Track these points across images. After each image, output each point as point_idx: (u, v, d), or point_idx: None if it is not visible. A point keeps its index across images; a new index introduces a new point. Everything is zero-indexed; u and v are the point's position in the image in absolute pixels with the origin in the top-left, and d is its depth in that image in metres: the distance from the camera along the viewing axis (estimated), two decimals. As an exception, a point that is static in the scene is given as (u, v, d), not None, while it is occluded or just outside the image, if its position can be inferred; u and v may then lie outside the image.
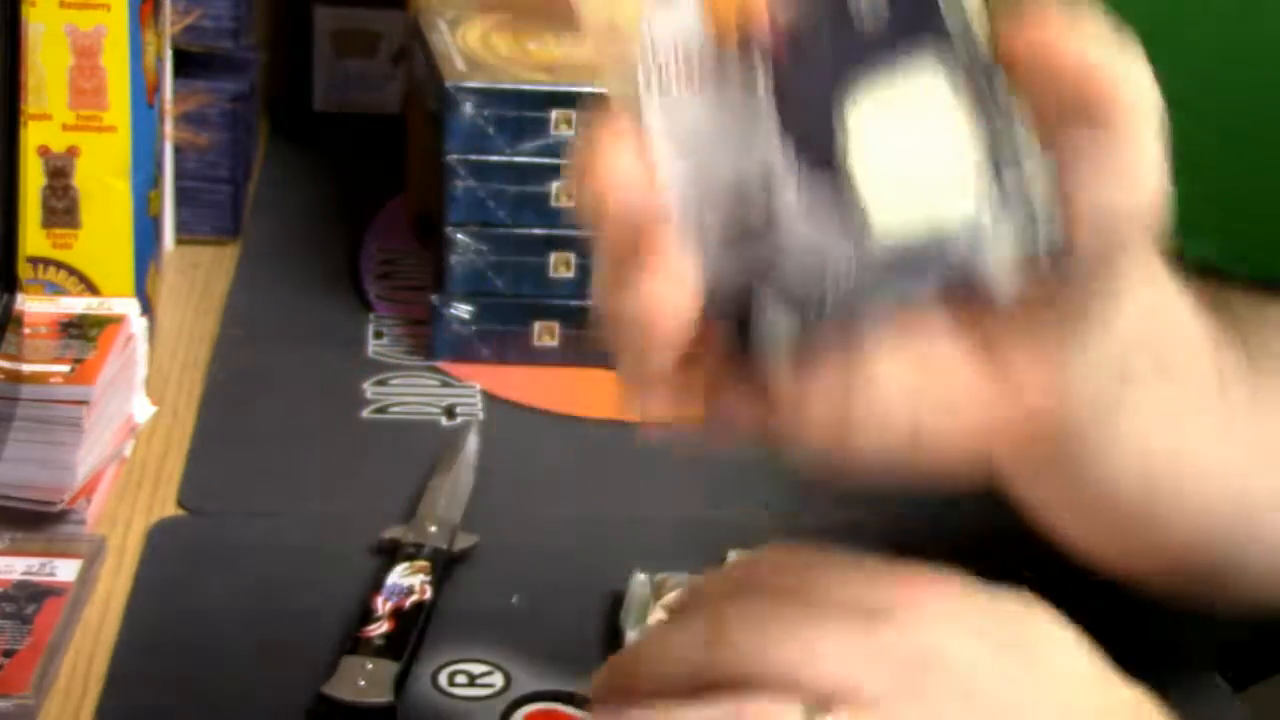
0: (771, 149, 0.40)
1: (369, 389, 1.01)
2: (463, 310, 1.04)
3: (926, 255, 0.40)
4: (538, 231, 1.03)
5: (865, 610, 0.49)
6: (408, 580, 0.78)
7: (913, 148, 0.40)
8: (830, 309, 0.41)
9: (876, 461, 0.50)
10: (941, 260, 0.41)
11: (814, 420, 0.48)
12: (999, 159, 0.40)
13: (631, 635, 0.76)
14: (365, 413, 0.98)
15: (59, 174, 0.97)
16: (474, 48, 1.08)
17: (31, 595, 0.77)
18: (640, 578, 0.79)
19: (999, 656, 0.49)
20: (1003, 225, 0.40)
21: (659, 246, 0.44)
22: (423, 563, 0.80)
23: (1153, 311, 0.55)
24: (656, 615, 0.76)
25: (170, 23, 1.14)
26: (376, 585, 0.78)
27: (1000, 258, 0.41)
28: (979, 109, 0.40)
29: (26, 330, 0.88)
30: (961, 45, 0.40)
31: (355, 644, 0.74)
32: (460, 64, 1.05)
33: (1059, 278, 0.45)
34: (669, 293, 0.44)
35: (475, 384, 1.02)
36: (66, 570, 0.79)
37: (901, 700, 0.48)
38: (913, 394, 0.48)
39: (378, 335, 1.08)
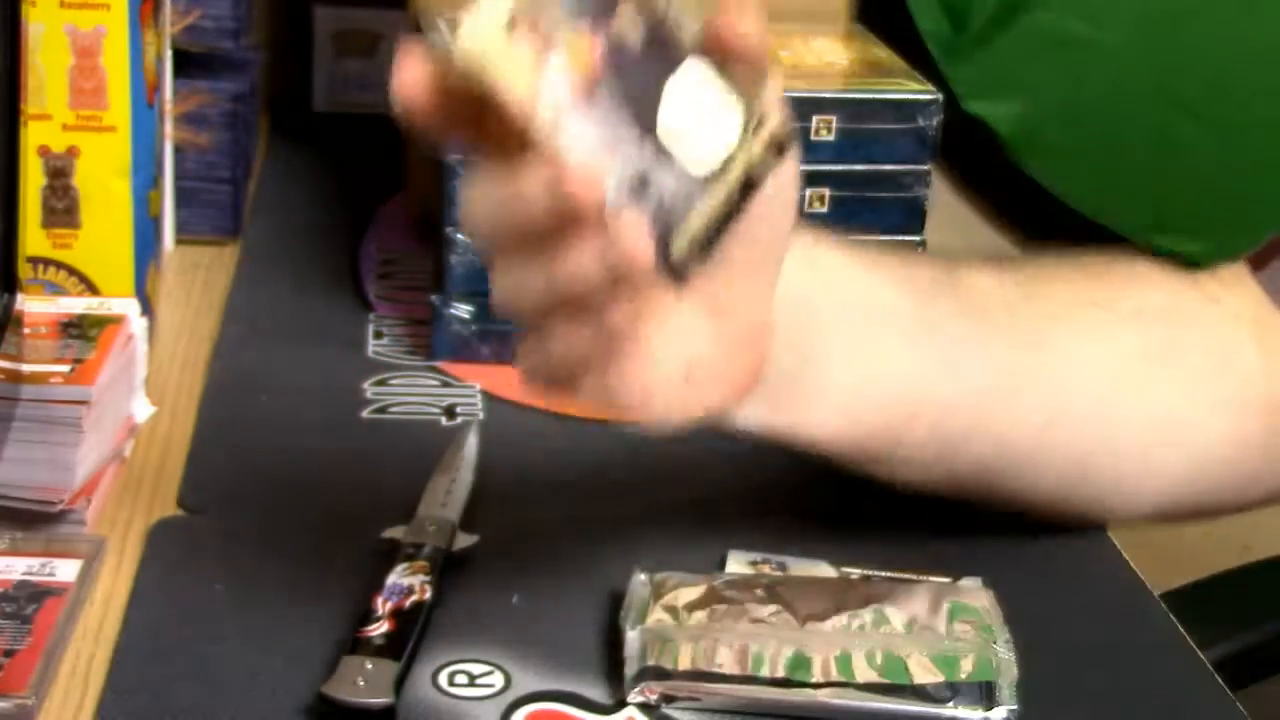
0: (627, 130, 0.62)
1: (369, 389, 1.01)
2: (463, 310, 1.04)
3: (729, 157, 0.64)
4: (538, 231, 1.03)
5: None
6: (408, 580, 0.78)
7: (699, 111, 0.63)
8: (686, 219, 0.63)
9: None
10: (732, 161, 0.64)
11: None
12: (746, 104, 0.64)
13: (631, 635, 0.76)
14: (365, 413, 0.98)
15: (59, 174, 0.97)
16: (474, 48, 1.08)
17: (31, 595, 0.77)
18: (640, 578, 0.79)
19: None
20: (757, 139, 0.64)
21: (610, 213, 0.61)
22: (423, 563, 0.80)
23: (811, 269, 0.75)
24: (656, 615, 0.76)
25: (170, 23, 1.14)
26: (376, 585, 0.78)
27: (756, 154, 0.64)
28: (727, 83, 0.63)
29: (26, 330, 0.88)
30: (702, 49, 0.63)
31: (355, 644, 0.74)
32: (460, 64, 1.05)
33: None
34: (637, 237, 0.61)
35: (475, 384, 1.02)
36: (66, 570, 0.79)
37: None
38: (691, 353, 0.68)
39: (378, 335, 1.08)
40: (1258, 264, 0.89)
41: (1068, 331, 0.83)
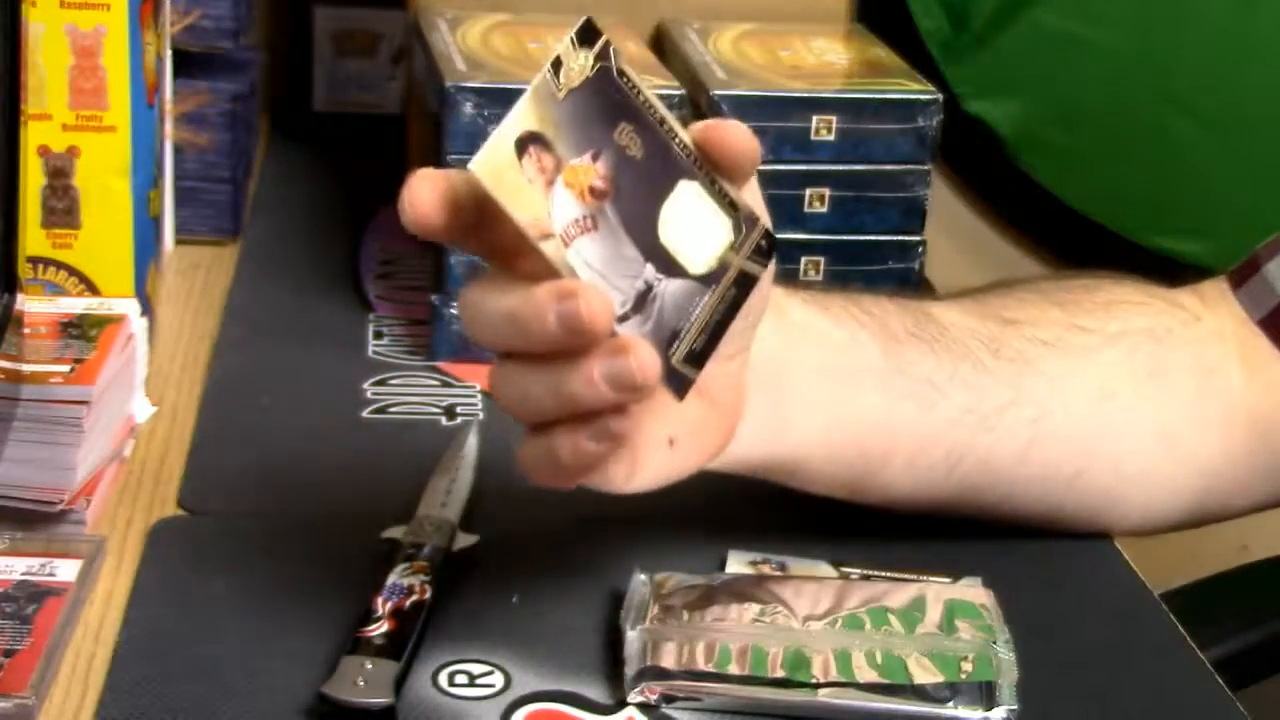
0: (630, 251, 0.66)
1: (369, 389, 1.01)
2: (463, 310, 1.04)
3: (721, 267, 0.68)
4: (538, 231, 1.03)
5: None
6: (408, 580, 0.78)
7: (694, 226, 0.68)
8: (686, 329, 0.68)
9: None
10: (725, 269, 0.68)
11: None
12: (728, 201, 0.69)
13: (632, 635, 0.76)
14: (365, 413, 0.98)
15: (59, 174, 0.97)
16: (474, 48, 1.08)
17: (31, 595, 0.77)
18: (640, 578, 0.79)
19: None
20: (745, 246, 0.69)
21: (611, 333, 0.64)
22: (423, 563, 0.80)
23: (781, 331, 0.78)
24: (656, 615, 0.76)
25: (170, 23, 1.14)
26: (376, 585, 0.78)
27: (748, 260, 0.69)
28: (709, 185, 0.68)
29: (26, 330, 0.88)
30: (694, 165, 0.68)
31: (355, 644, 0.74)
32: (460, 64, 1.05)
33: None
34: (647, 358, 0.64)
35: (475, 384, 1.02)
36: (66, 570, 0.79)
37: None
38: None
39: (378, 335, 1.08)
40: (1237, 281, 0.89)
41: (1053, 355, 0.85)
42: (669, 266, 0.67)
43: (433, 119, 1.07)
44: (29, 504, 0.82)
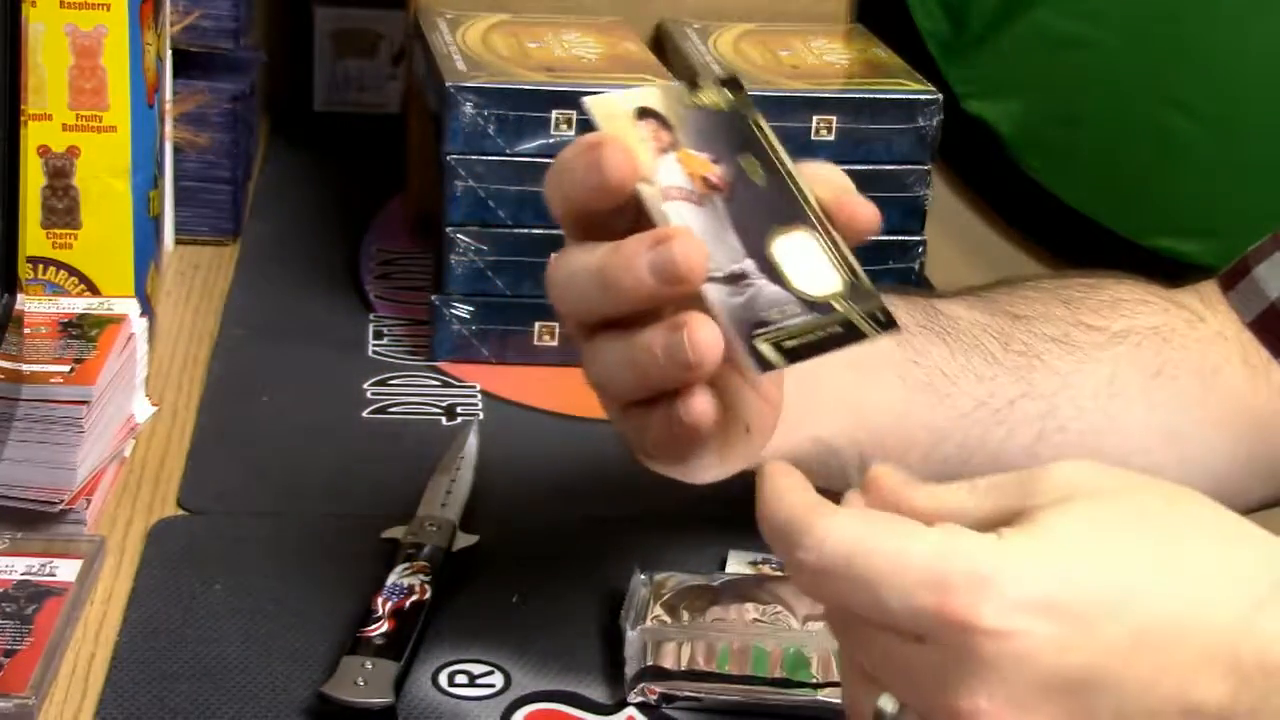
0: (734, 241, 0.65)
1: (369, 389, 1.01)
2: (463, 310, 1.04)
3: (828, 303, 0.66)
4: (538, 231, 1.03)
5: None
6: (408, 580, 0.78)
7: (807, 265, 0.66)
8: (779, 323, 0.65)
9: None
10: (830, 309, 0.66)
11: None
12: (848, 265, 0.67)
13: (632, 635, 0.76)
14: (365, 413, 0.98)
15: (59, 174, 0.97)
16: (474, 48, 1.08)
17: (31, 595, 0.77)
18: (640, 578, 0.79)
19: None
20: (860, 304, 0.66)
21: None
22: (423, 563, 0.80)
23: None
24: (656, 615, 0.76)
25: (170, 23, 1.14)
26: (376, 585, 0.78)
27: (860, 316, 0.66)
28: (831, 245, 0.67)
29: (27, 330, 0.88)
30: (810, 210, 0.67)
31: (355, 644, 0.74)
32: (460, 64, 1.05)
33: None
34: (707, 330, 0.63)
35: (475, 384, 1.02)
36: (66, 570, 0.79)
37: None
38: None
39: (378, 335, 1.08)
40: (1227, 284, 0.90)
41: (1060, 350, 0.85)
42: (772, 274, 0.65)
43: (433, 119, 1.07)
44: (29, 504, 0.82)
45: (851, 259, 0.67)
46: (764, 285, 0.65)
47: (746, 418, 0.71)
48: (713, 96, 0.67)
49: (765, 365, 0.64)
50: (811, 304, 0.65)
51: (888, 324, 0.66)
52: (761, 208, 0.66)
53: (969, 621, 0.55)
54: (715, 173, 0.65)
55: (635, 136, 0.64)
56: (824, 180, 0.68)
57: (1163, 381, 0.86)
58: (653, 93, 0.65)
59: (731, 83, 0.68)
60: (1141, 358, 0.86)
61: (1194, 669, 0.56)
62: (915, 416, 0.81)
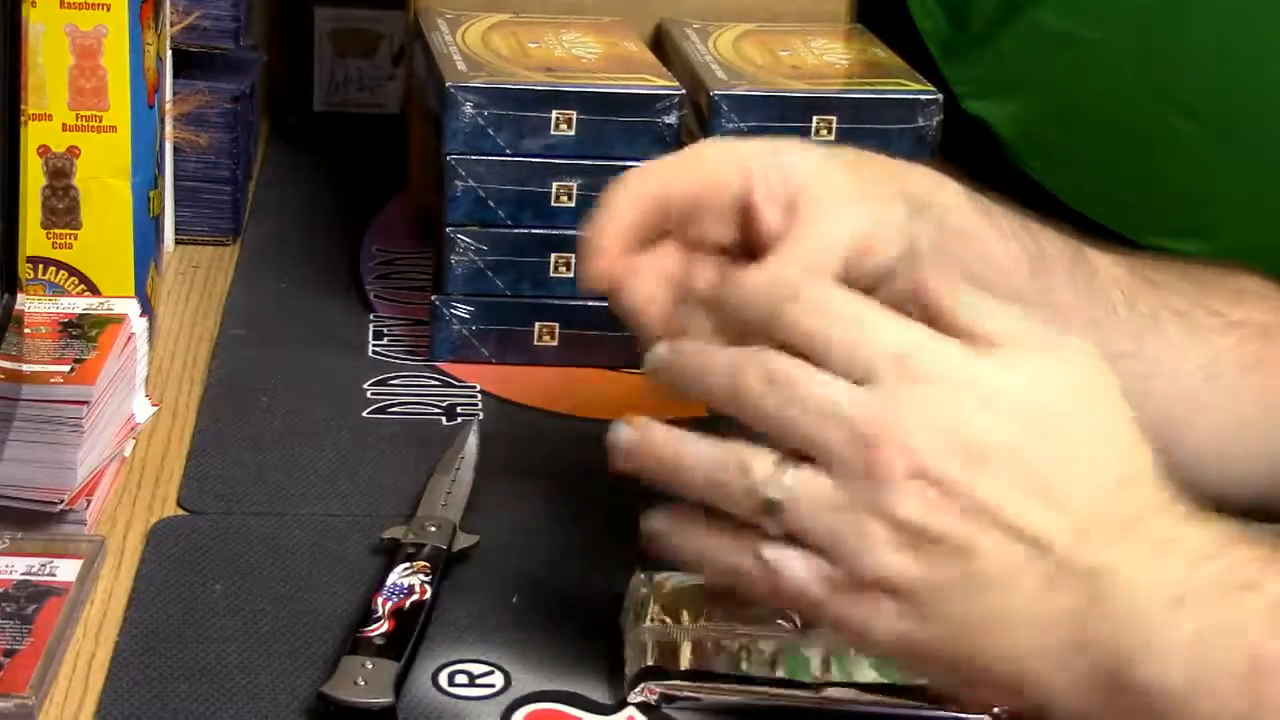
0: None
1: (369, 389, 1.01)
2: (463, 310, 1.04)
3: None
4: (538, 231, 1.03)
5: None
6: (408, 580, 0.78)
7: None
8: None
9: None
10: None
11: None
12: None
13: (631, 635, 0.76)
14: (366, 413, 0.98)
15: (59, 174, 0.97)
16: (474, 48, 1.08)
17: (31, 595, 0.77)
18: (640, 577, 0.79)
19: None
20: None
21: None
22: (423, 563, 0.80)
23: (941, 232, 0.79)
24: (656, 615, 0.76)
25: (170, 23, 1.14)
26: (376, 585, 0.78)
27: None
28: None
29: (27, 330, 0.88)
30: None
31: (355, 644, 0.74)
32: (460, 64, 1.05)
33: None
34: None
35: (475, 384, 1.02)
36: (66, 570, 0.79)
37: (853, 475, 0.63)
38: None
39: (378, 335, 1.08)
40: None
41: (1179, 324, 0.86)
42: None
43: (433, 119, 1.07)
44: (29, 504, 0.82)
45: None
46: None
47: None
48: None
49: None
50: None
51: None
52: None
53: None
54: None
55: None
56: None
57: (1256, 377, 0.87)
58: None
59: None
60: (1245, 350, 0.88)
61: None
62: None
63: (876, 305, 0.66)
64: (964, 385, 0.63)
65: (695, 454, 0.67)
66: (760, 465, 0.65)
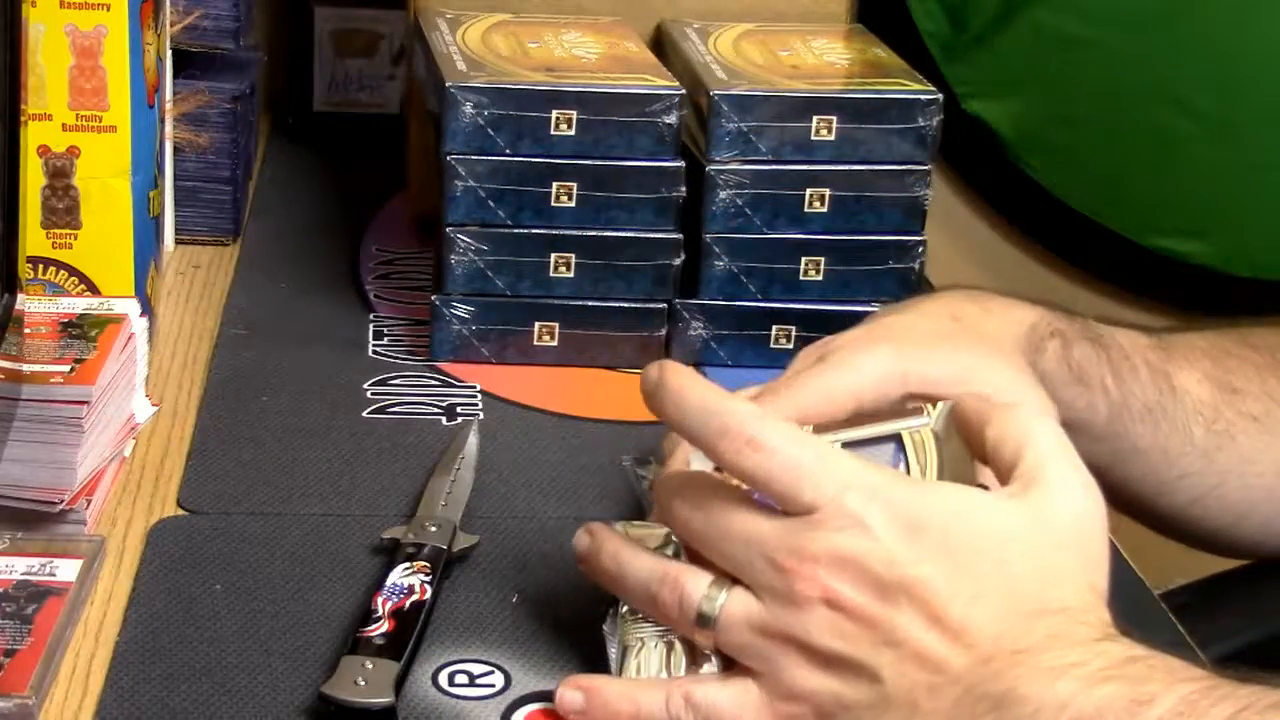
0: None
1: (369, 389, 1.01)
2: (463, 310, 1.04)
3: None
4: (538, 231, 1.03)
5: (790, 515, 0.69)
6: (408, 580, 0.78)
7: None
8: None
9: None
10: None
11: None
12: None
13: (612, 638, 0.76)
14: (365, 413, 0.98)
15: (59, 174, 0.97)
16: (474, 48, 1.08)
17: (31, 595, 0.77)
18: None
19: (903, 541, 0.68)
20: None
21: None
22: (423, 563, 0.80)
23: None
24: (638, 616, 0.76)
25: (170, 23, 1.14)
26: (376, 585, 0.78)
27: None
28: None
29: (27, 330, 0.88)
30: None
31: (355, 644, 0.74)
32: (460, 64, 1.05)
33: None
34: None
35: (475, 384, 1.02)
36: (66, 570, 0.79)
37: (775, 600, 0.68)
38: None
39: (378, 335, 1.08)
40: None
41: (1254, 430, 0.91)
42: None
43: (433, 119, 1.07)
44: (29, 504, 0.82)
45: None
46: None
47: None
48: None
49: None
50: None
51: None
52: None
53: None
54: None
55: None
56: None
57: None
58: None
59: None
60: None
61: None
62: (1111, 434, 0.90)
63: (817, 444, 0.70)
64: (890, 520, 0.68)
65: (636, 569, 0.72)
66: (695, 583, 0.70)
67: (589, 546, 0.75)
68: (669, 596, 0.71)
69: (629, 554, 0.73)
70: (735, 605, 0.69)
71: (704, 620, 0.70)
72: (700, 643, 0.71)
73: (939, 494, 0.70)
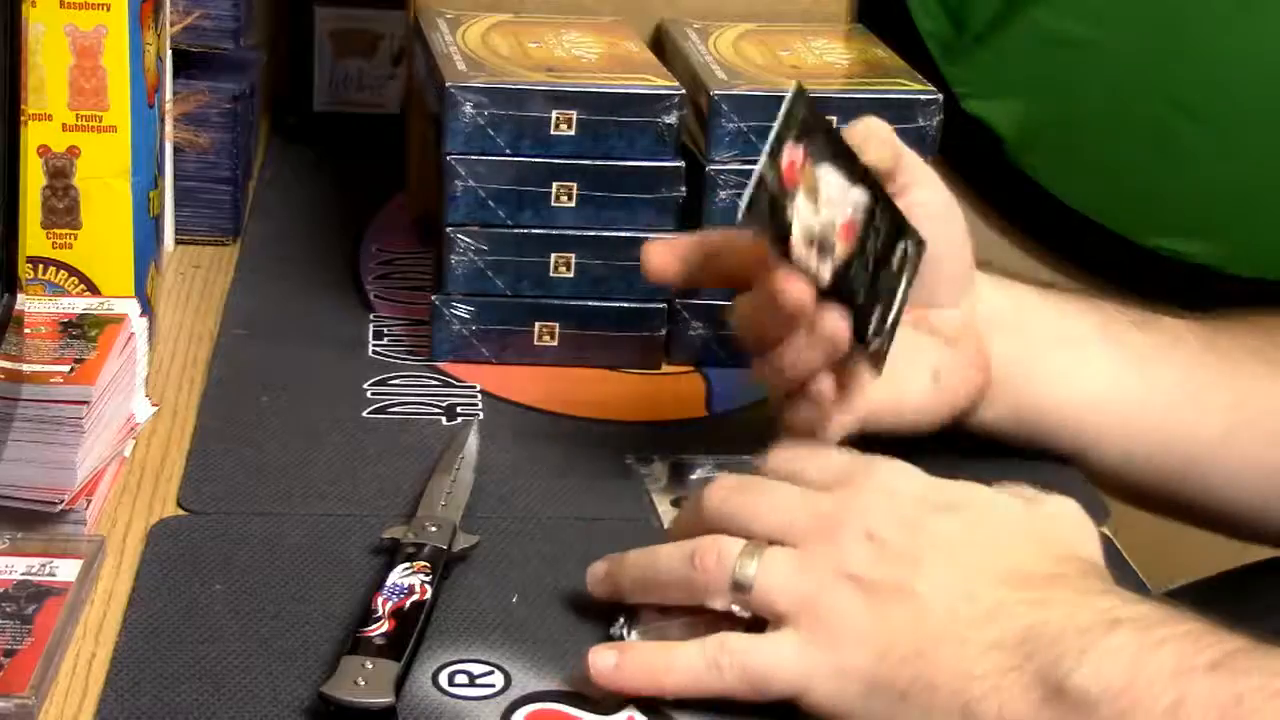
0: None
1: (369, 389, 1.01)
2: (463, 310, 1.04)
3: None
4: (538, 231, 1.03)
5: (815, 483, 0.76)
6: (408, 580, 0.78)
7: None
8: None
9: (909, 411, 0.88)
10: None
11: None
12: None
13: (632, 636, 0.76)
14: (366, 413, 0.98)
15: (59, 174, 0.97)
16: (474, 48, 1.08)
17: (31, 595, 0.77)
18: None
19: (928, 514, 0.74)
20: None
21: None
22: (423, 563, 0.80)
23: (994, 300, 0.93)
24: (650, 614, 0.76)
25: (170, 23, 1.14)
26: (376, 585, 0.78)
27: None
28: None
29: (27, 330, 0.88)
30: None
31: (355, 644, 0.74)
32: (460, 64, 1.05)
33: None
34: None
35: (475, 384, 1.02)
36: (66, 570, 0.79)
37: (817, 542, 0.73)
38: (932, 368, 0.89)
39: (378, 335, 1.08)
40: None
41: (1258, 363, 0.93)
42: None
43: (433, 119, 1.07)
44: (29, 504, 0.82)
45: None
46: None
47: (930, 362, 0.87)
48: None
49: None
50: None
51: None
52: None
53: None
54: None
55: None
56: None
57: None
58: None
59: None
60: None
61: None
62: (1119, 388, 0.92)
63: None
64: (910, 491, 0.75)
65: (664, 555, 0.76)
66: (729, 545, 0.74)
67: (608, 567, 0.78)
68: (707, 561, 0.74)
69: (651, 550, 0.76)
70: (774, 556, 0.73)
71: (742, 580, 0.73)
72: (737, 609, 0.73)
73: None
